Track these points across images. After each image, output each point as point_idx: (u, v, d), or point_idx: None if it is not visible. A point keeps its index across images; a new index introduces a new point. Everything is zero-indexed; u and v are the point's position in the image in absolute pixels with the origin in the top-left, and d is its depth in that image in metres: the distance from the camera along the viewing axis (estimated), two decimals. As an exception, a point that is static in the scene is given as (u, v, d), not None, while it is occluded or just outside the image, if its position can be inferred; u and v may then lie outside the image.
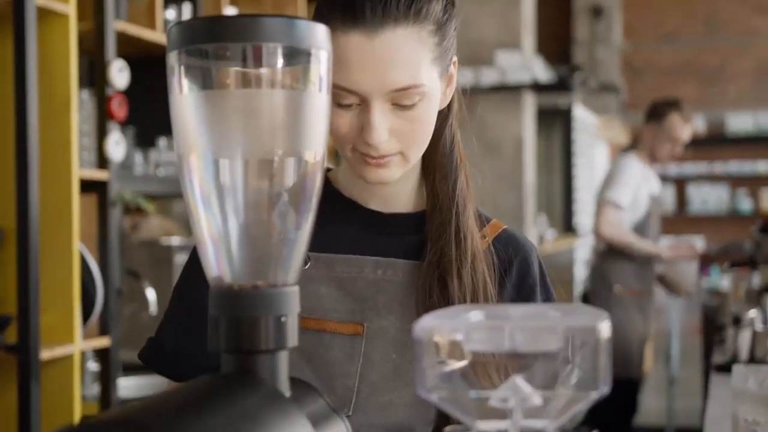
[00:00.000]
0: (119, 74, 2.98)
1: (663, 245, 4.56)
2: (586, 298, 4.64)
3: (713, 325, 4.15)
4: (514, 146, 6.14)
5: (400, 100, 1.15)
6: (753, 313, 3.03)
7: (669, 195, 9.81)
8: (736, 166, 9.65)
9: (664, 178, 9.71)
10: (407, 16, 1.14)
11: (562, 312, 0.68)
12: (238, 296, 0.71)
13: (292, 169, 0.73)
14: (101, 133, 2.97)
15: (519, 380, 0.65)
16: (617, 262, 4.34)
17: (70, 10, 2.74)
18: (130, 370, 3.17)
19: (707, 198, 9.76)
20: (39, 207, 2.64)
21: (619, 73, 9.66)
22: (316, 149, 0.73)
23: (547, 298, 1.30)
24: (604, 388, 0.64)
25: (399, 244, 1.25)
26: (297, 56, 0.71)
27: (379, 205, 1.28)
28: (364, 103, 1.15)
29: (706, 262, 9.54)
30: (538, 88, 6.30)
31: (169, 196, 3.82)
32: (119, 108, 2.99)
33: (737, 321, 3.20)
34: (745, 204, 9.66)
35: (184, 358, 1.26)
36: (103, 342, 2.97)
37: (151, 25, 3.26)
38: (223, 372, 0.72)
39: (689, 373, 6.12)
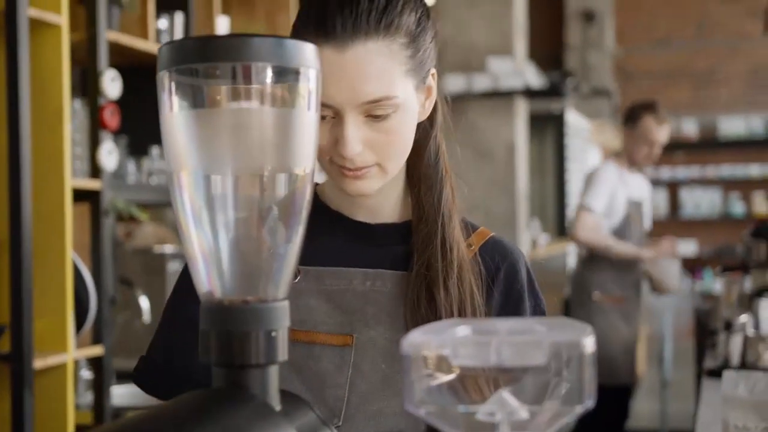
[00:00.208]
0: (112, 84, 2.99)
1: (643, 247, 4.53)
2: (568, 306, 4.61)
3: (706, 329, 4.16)
4: (507, 152, 6.15)
5: (374, 112, 1.16)
6: (744, 318, 3.04)
7: (661, 199, 9.83)
8: (728, 169, 9.67)
9: (657, 182, 9.73)
10: (377, 30, 1.16)
11: (548, 326, 0.69)
12: (229, 311, 0.72)
13: (281, 185, 0.74)
14: (94, 143, 2.98)
15: (506, 394, 0.66)
16: (596, 269, 4.33)
17: (63, 20, 2.75)
18: (123, 378, 3.17)
19: (700, 202, 9.78)
20: (32, 216, 2.64)
21: (611, 78, 9.68)
22: (305, 165, 0.75)
23: (536, 304, 1.31)
24: (589, 402, 0.65)
25: (386, 254, 1.27)
26: (286, 75, 0.72)
27: (365, 216, 1.29)
28: (338, 116, 1.16)
29: (698, 265, 9.58)
30: (530, 93, 6.31)
31: (162, 205, 3.83)
32: (112, 117, 3.00)
33: (729, 326, 3.22)
34: (738, 207, 9.68)
35: (176, 375, 1.26)
36: (97, 350, 2.98)
37: (144, 35, 3.27)
38: (213, 386, 0.73)
39: (682, 376, 6.14)
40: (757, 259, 4.06)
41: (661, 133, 4.31)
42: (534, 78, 6.46)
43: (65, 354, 2.77)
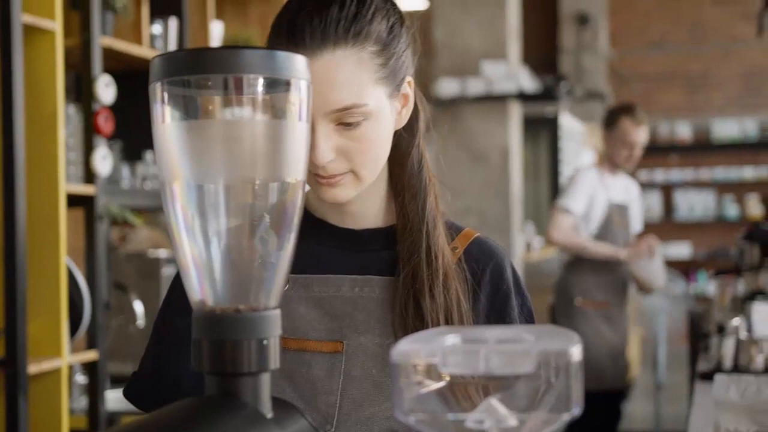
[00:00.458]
0: (105, 89, 2.99)
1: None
2: (552, 311, 4.60)
3: (699, 332, 4.16)
4: (501, 155, 6.17)
5: (344, 120, 1.17)
6: (737, 321, 3.05)
7: (656, 201, 9.85)
8: (722, 172, 9.69)
9: (651, 185, 9.76)
10: (346, 38, 1.17)
11: (536, 335, 0.70)
12: (221, 320, 0.73)
13: (273, 195, 0.75)
14: (88, 148, 2.99)
15: (495, 402, 0.67)
16: (578, 274, 4.32)
17: (57, 26, 2.76)
18: (117, 382, 3.17)
19: (694, 204, 9.80)
20: (26, 221, 2.65)
21: (605, 81, 9.70)
22: (296, 174, 0.76)
23: (523, 303, 1.31)
24: (576, 410, 0.66)
25: (373, 260, 1.28)
26: (277, 86, 0.73)
27: (349, 222, 1.30)
28: (309, 125, 1.17)
29: (692, 267, 9.60)
30: (524, 97, 6.33)
31: (157, 210, 3.83)
32: (106, 123, 3.00)
33: (721, 329, 3.22)
34: (732, 210, 9.71)
35: (167, 390, 1.27)
36: (91, 355, 2.98)
37: (138, 40, 3.28)
38: (206, 394, 0.73)
39: (676, 379, 6.15)
40: (750, 262, 4.07)
41: (639, 134, 4.31)
42: (528, 82, 6.48)
43: (59, 359, 2.77)
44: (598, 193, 4.30)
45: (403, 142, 1.28)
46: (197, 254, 0.74)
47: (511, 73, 6.18)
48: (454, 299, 1.23)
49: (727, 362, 2.85)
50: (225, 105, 0.73)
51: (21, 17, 2.62)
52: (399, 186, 1.29)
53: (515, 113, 6.34)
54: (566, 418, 0.66)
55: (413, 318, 1.22)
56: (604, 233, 4.30)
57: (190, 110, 0.73)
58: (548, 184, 7.94)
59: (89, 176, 2.99)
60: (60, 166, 2.77)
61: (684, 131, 9.78)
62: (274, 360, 0.74)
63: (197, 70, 0.72)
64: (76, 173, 2.99)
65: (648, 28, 9.97)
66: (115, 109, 3.05)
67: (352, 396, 1.23)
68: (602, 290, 4.29)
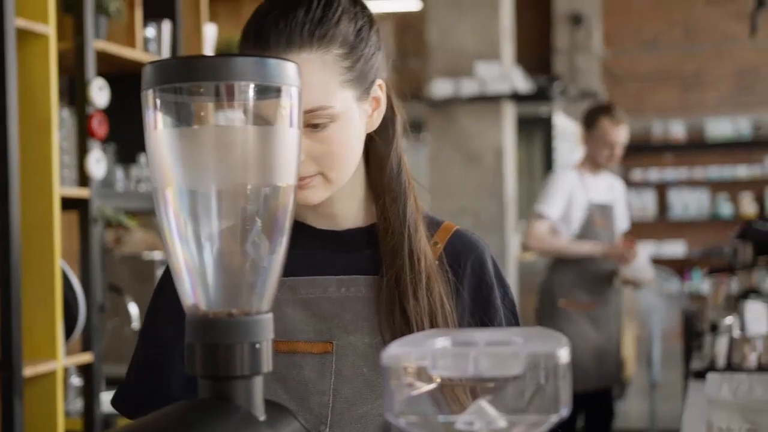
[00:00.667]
0: (99, 93, 3.00)
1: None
2: (537, 313, 4.60)
3: (693, 330, 4.17)
4: (495, 156, 6.18)
5: (310, 122, 1.18)
6: (730, 319, 3.06)
7: (650, 201, 9.87)
8: (716, 171, 9.71)
9: (645, 184, 9.78)
10: (311, 42, 1.18)
11: (525, 337, 0.71)
12: (214, 324, 0.74)
13: (265, 200, 0.76)
14: (82, 151, 2.99)
15: (484, 404, 0.68)
16: (561, 275, 4.32)
17: (50, 30, 2.76)
18: (113, 384, 3.18)
19: (688, 203, 9.82)
20: (20, 225, 2.65)
21: (599, 81, 9.72)
22: (288, 179, 0.76)
23: (505, 293, 1.33)
24: (564, 411, 0.67)
25: (357, 259, 1.29)
26: (268, 93, 0.74)
27: (330, 224, 1.31)
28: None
29: (687, 266, 9.62)
30: (517, 98, 6.34)
31: (151, 212, 3.83)
32: (99, 126, 3.01)
33: (715, 328, 3.23)
34: (726, 209, 9.73)
35: (155, 398, 1.28)
36: (86, 357, 2.99)
37: (131, 43, 3.28)
38: (199, 398, 0.74)
39: (671, 377, 6.17)
40: (743, 260, 4.08)
41: (618, 133, 4.31)
42: (521, 82, 6.49)
43: (55, 361, 2.78)
44: (577, 194, 4.30)
45: (380, 146, 1.29)
46: (190, 259, 0.75)
47: (504, 74, 6.19)
48: (438, 301, 1.25)
49: (721, 360, 2.86)
50: (217, 112, 0.74)
51: (14, 21, 2.62)
52: (379, 189, 1.30)
53: (509, 114, 6.35)
54: (555, 419, 0.67)
55: (399, 320, 1.23)
56: (585, 234, 4.30)
57: (183, 117, 0.74)
58: (542, 185, 7.95)
59: (83, 179, 3.00)
60: (54, 170, 2.77)
61: (678, 130, 9.79)
62: (267, 363, 0.75)
63: (189, 78, 0.73)
64: (70, 176, 3.00)
65: (641, 28, 9.99)
66: (108, 112, 3.06)
67: (345, 395, 1.24)
68: (586, 291, 4.29)
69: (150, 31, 3.43)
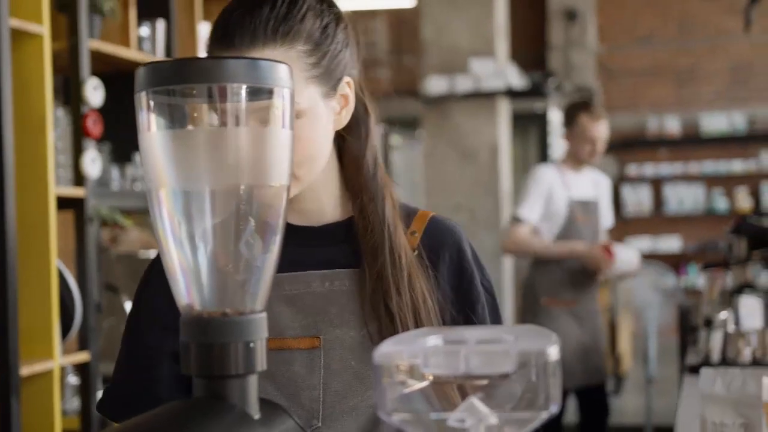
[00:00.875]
0: (94, 92, 3.00)
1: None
2: (521, 311, 4.60)
3: (689, 325, 4.18)
4: (490, 152, 6.18)
5: None
6: (725, 314, 3.07)
7: (645, 195, 9.88)
8: (711, 165, 9.72)
9: (641, 179, 9.80)
10: (275, 38, 1.19)
11: (515, 335, 0.72)
12: (208, 323, 0.74)
13: (258, 199, 0.76)
14: (77, 151, 3.00)
15: (476, 401, 0.69)
16: (544, 273, 4.32)
17: (44, 30, 2.77)
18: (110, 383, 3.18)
19: (683, 198, 9.83)
20: (16, 225, 2.65)
21: (594, 77, 9.73)
22: (280, 180, 0.77)
23: (483, 275, 1.35)
24: (554, 408, 0.68)
25: (336, 253, 1.30)
26: (260, 94, 0.75)
27: (308, 221, 1.31)
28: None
29: (682, 261, 9.64)
30: (512, 94, 6.34)
31: (146, 211, 3.83)
32: (94, 125, 3.01)
33: (709, 322, 3.25)
34: (721, 203, 9.74)
35: (142, 403, 1.28)
36: (83, 356, 2.99)
37: (125, 42, 3.28)
38: (194, 396, 0.75)
39: (667, 372, 6.18)
40: (738, 255, 4.10)
41: (598, 129, 4.31)
42: (516, 78, 6.50)
43: (51, 361, 2.78)
44: (557, 191, 4.29)
45: (353, 145, 1.30)
46: (184, 259, 0.75)
47: (499, 70, 6.19)
48: (420, 296, 1.26)
49: (715, 355, 2.87)
50: (209, 113, 0.74)
51: (8, 21, 2.62)
52: (356, 188, 1.31)
53: (504, 110, 6.35)
54: (545, 416, 0.68)
55: (383, 314, 1.25)
56: (568, 230, 4.29)
57: (176, 119, 0.75)
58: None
59: (79, 179, 3.00)
60: (49, 169, 2.78)
61: (673, 125, 9.81)
62: (261, 362, 0.76)
63: (182, 80, 0.73)
64: (65, 176, 3.00)
65: (636, 23, 9.99)
66: (103, 111, 3.06)
67: (335, 389, 1.25)
68: (568, 289, 4.28)
69: (144, 31, 3.43)
